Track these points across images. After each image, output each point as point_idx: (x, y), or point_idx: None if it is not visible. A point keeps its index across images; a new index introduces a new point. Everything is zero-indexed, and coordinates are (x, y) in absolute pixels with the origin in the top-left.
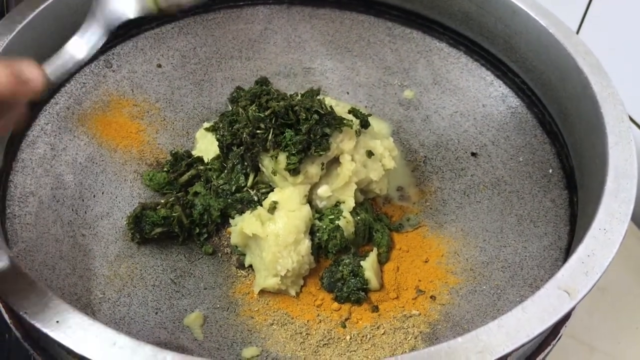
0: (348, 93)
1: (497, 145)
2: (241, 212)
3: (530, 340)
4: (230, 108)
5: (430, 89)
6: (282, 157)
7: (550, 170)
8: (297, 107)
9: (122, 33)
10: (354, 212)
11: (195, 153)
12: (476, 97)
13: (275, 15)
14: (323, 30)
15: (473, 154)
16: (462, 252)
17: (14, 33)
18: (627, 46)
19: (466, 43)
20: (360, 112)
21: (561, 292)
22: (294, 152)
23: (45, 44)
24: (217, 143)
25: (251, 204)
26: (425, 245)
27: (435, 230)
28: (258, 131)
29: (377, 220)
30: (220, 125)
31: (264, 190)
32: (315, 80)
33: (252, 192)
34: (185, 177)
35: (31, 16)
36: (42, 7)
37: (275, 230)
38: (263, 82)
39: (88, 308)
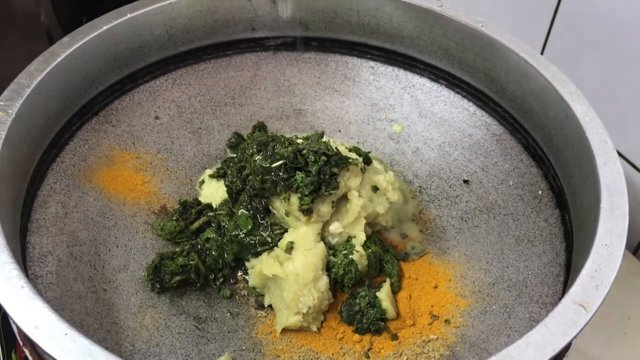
0: (340, 131)
1: (487, 172)
2: (256, 255)
3: (557, 353)
4: (230, 153)
5: (417, 122)
6: (294, 199)
7: (540, 192)
8: (305, 151)
9: (118, 88)
10: (364, 245)
11: (202, 199)
12: (461, 127)
13: (263, 62)
14: (310, 73)
15: (465, 181)
16: (467, 275)
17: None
18: (588, 67)
19: (447, 77)
20: (362, 150)
21: (577, 307)
22: (306, 193)
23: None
24: (222, 188)
25: (265, 246)
26: (432, 272)
27: (440, 257)
28: (267, 177)
29: (385, 252)
30: (229, 172)
31: (278, 231)
32: (307, 120)
33: (266, 234)
34: (196, 224)
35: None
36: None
37: (294, 269)
38: (261, 127)
39: None
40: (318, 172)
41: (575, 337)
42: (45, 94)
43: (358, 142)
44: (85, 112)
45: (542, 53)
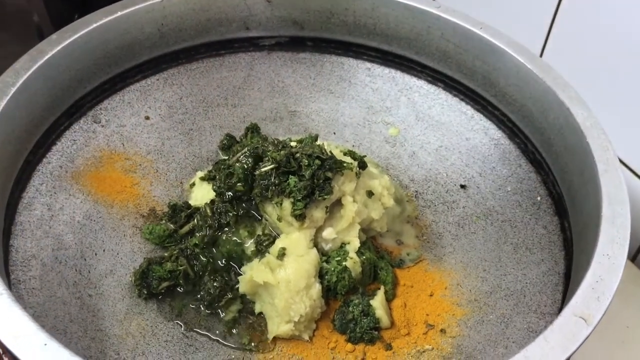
0: (334, 133)
1: (485, 177)
2: (249, 260)
3: None
4: (222, 155)
5: (414, 125)
6: (287, 204)
7: (539, 198)
8: (298, 154)
9: (108, 87)
10: (358, 252)
11: (192, 202)
12: (459, 131)
13: (257, 62)
14: (305, 74)
15: (462, 186)
16: (464, 283)
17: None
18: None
19: (444, 80)
20: (357, 154)
21: (577, 319)
22: (299, 198)
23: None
24: (212, 192)
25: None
26: (427, 279)
27: (436, 264)
28: (261, 182)
29: (380, 258)
30: (217, 177)
31: (266, 242)
32: (301, 122)
33: (251, 242)
34: (185, 228)
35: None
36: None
37: (286, 276)
38: (253, 128)
39: None
40: (311, 176)
41: (575, 351)
42: (32, 93)
43: (353, 145)
44: (74, 111)
45: (541, 55)
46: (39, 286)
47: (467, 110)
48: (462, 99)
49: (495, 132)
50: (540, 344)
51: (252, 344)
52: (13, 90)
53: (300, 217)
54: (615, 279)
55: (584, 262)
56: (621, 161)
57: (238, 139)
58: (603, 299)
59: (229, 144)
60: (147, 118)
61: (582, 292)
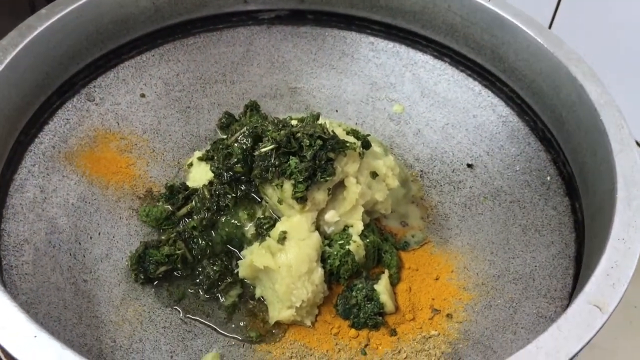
0: (337, 111)
1: (492, 155)
2: (249, 244)
3: (570, 358)
4: (220, 134)
5: (419, 102)
6: (288, 186)
7: (549, 178)
8: (299, 134)
9: (101, 64)
10: (362, 235)
11: (189, 183)
12: (466, 108)
13: (256, 37)
14: (305, 49)
15: (469, 165)
16: (471, 266)
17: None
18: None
19: (451, 54)
20: (360, 133)
21: (592, 307)
22: (300, 179)
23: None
24: (210, 173)
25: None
26: (433, 262)
27: (442, 246)
28: (260, 163)
29: (384, 241)
30: (215, 157)
31: (267, 225)
32: (302, 99)
33: (251, 225)
34: (183, 210)
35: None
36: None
37: (287, 261)
38: (253, 106)
39: (101, 358)
40: (313, 157)
41: (589, 341)
42: (21, 71)
43: (356, 123)
44: (66, 89)
45: (550, 27)
46: (32, 271)
47: (475, 86)
48: (469, 75)
49: (503, 109)
50: (553, 333)
51: (253, 330)
52: (1, 68)
53: (301, 200)
54: (632, 265)
55: (597, 246)
56: (637, 143)
57: (237, 117)
58: (618, 285)
59: (227, 122)
60: (143, 96)
61: (597, 278)
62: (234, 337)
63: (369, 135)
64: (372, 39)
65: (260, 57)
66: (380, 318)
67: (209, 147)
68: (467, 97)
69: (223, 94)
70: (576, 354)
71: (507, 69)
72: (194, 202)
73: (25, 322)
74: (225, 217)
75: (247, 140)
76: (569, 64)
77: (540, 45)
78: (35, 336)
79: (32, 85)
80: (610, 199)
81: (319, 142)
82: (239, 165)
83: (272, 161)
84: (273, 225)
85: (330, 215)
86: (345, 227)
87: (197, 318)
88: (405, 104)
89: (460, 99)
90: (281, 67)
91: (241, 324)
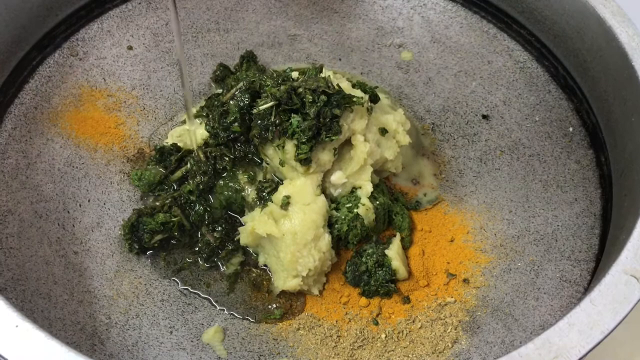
0: (340, 60)
1: (509, 105)
2: (251, 208)
3: (605, 336)
4: (215, 89)
5: (429, 48)
6: (290, 146)
7: (571, 129)
8: (301, 90)
9: (84, 14)
10: (371, 197)
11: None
12: (480, 54)
13: None
14: None
15: (484, 117)
16: (488, 226)
17: None
18: None
19: None
20: (368, 86)
21: (629, 278)
22: (303, 140)
23: None
24: (205, 132)
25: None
26: (447, 223)
27: (456, 205)
28: (259, 121)
29: (395, 201)
30: (210, 115)
31: (268, 189)
32: (303, 48)
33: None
34: (178, 174)
35: None
36: None
37: (291, 228)
38: (249, 57)
39: (95, 337)
40: (317, 114)
41: (626, 316)
42: None
43: (362, 73)
44: (46, 44)
45: None
46: (17, 245)
47: (490, 29)
48: (483, 17)
49: (521, 54)
50: (586, 308)
51: (257, 301)
52: None
53: (305, 162)
54: None
55: (631, 206)
56: None
57: (232, 69)
58: None
59: (222, 75)
60: (130, 48)
61: (633, 245)
62: (236, 308)
63: (377, 87)
64: None
65: (256, 1)
66: (393, 285)
67: (203, 103)
68: (481, 41)
69: (217, 44)
70: (611, 331)
71: (525, 10)
72: (188, 165)
73: (4, 309)
74: (223, 181)
75: (244, 97)
76: (595, 3)
77: None
78: (17, 325)
79: (7, 41)
80: None
81: (323, 97)
82: (236, 124)
83: (272, 120)
84: (275, 189)
85: (336, 177)
86: (353, 189)
87: (196, 289)
88: (414, 50)
89: (474, 43)
90: (279, 12)
91: (244, 295)
